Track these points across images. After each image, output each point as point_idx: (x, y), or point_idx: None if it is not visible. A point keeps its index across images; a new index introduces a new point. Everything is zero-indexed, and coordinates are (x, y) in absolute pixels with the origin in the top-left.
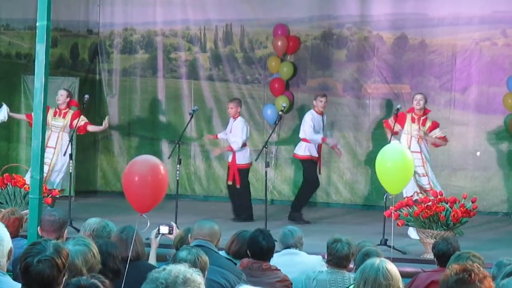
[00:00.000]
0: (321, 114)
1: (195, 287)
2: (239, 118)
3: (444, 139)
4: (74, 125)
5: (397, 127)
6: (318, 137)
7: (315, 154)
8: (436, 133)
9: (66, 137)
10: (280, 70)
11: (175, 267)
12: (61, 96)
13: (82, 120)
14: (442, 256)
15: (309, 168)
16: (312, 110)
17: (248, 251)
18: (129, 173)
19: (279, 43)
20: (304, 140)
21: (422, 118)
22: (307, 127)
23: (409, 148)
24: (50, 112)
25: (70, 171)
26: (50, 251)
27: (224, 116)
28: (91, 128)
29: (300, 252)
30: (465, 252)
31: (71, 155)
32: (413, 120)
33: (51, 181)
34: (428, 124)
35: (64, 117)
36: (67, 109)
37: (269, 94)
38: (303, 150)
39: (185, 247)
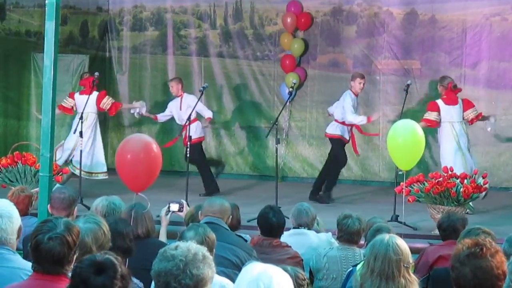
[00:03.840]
0: (357, 95)
1: (210, 263)
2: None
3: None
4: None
5: (435, 116)
6: (362, 118)
7: (346, 136)
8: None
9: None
10: (291, 46)
11: (191, 244)
12: None
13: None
14: (443, 230)
15: (338, 147)
16: (350, 91)
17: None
18: (121, 151)
19: (289, 20)
20: (338, 121)
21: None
22: (348, 109)
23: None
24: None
25: (81, 149)
26: (61, 229)
27: (234, 93)
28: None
29: (309, 232)
30: (475, 228)
31: (81, 133)
32: (450, 103)
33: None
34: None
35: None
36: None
37: (280, 70)
38: (334, 129)
39: (192, 226)
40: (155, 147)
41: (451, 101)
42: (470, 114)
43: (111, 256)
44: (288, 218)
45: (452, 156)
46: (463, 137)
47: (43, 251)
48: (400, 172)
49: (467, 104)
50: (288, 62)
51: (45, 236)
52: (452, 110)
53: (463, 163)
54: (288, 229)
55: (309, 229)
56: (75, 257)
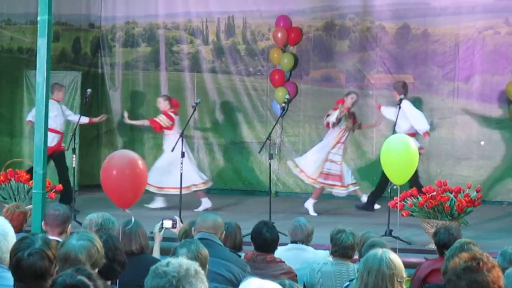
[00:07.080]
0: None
1: (203, 278)
2: None
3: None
4: None
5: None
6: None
7: None
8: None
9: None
10: (281, 61)
11: (182, 260)
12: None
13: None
14: (443, 246)
15: None
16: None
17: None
18: (107, 168)
19: (279, 35)
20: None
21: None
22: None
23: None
24: None
25: (74, 165)
26: (39, 244)
27: (227, 108)
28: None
29: (307, 247)
30: (464, 243)
31: (74, 150)
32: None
33: None
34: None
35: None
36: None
37: (272, 86)
38: None
39: (184, 243)
40: (140, 163)
41: None
42: None
43: (83, 276)
44: (282, 233)
45: None
46: None
47: (25, 267)
48: (394, 187)
49: None
50: (277, 77)
51: (25, 252)
52: None
53: None
54: (285, 244)
55: (306, 245)
56: (56, 270)
